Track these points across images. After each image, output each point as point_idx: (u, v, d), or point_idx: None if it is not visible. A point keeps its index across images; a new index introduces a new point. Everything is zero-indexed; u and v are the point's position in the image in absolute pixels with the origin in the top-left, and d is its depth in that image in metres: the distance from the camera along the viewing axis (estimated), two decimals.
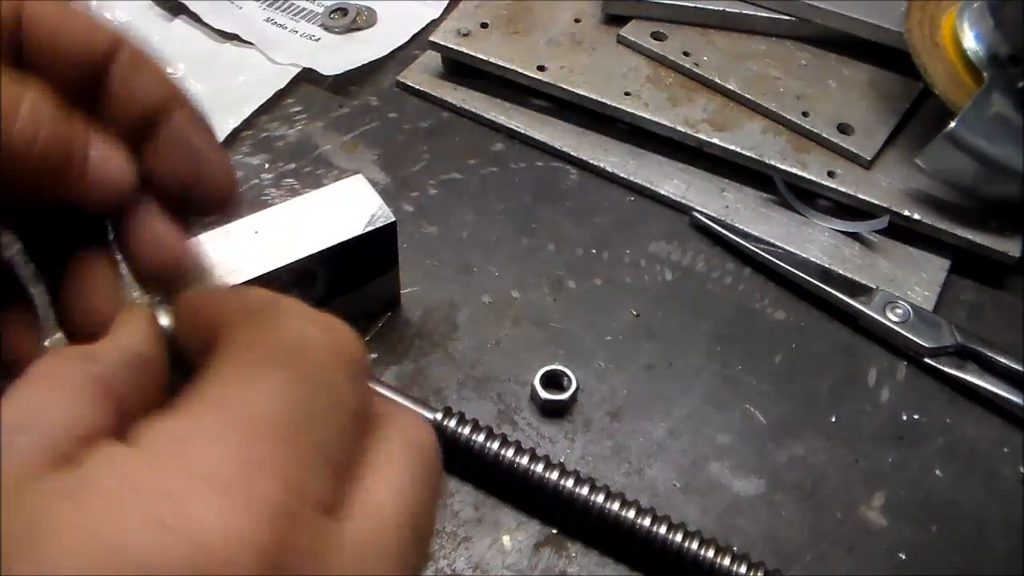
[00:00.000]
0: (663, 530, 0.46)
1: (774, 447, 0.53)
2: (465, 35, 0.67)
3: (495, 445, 0.48)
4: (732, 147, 0.62)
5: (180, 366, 0.32)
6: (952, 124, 0.56)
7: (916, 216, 0.59)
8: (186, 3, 0.72)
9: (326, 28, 0.72)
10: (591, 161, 0.65)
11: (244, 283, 0.46)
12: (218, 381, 0.25)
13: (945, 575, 0.49)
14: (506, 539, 0.48)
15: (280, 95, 0.68)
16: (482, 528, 0.49)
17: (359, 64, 0.69)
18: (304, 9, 0.73)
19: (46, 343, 0.35)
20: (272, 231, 0.48)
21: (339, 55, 0.70)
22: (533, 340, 0.56)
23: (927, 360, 0.56)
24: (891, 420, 0.54)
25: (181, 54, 0.69)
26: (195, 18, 0.72)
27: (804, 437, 0.53)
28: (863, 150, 0.61)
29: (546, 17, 0.69)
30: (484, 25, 0.68)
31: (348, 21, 0.72)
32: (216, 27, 0.71)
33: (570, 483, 0.47)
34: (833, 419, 0.54)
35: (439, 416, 0.49)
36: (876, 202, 0.60)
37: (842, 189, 0.61)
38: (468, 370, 0.55)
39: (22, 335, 0.33)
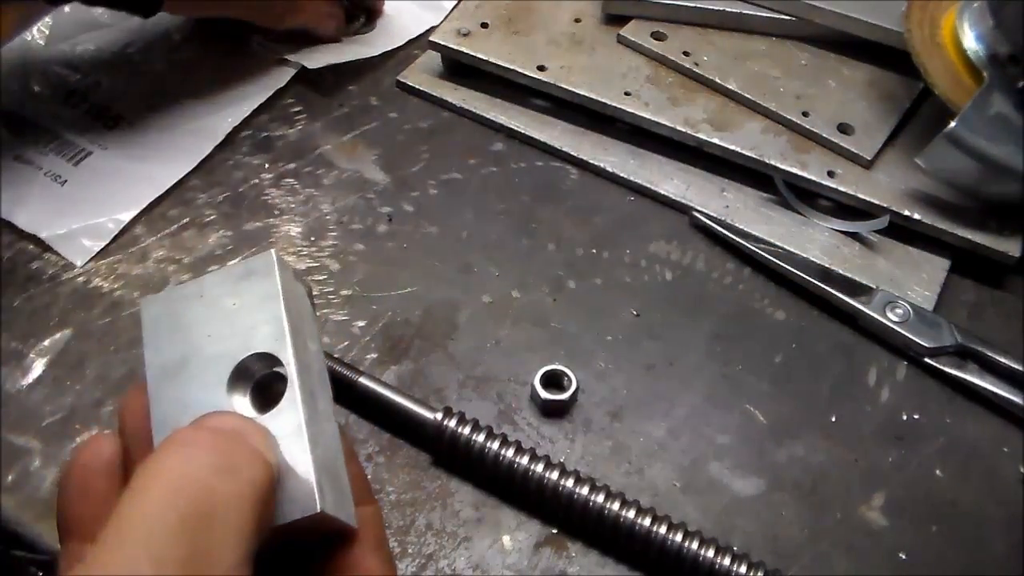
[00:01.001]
0: (663, 530, 0.46)
1: (774, 447, 0.53)
2: (465, 35, 0.67)
3: (495, 445, 0.48)
4: (732, 147, 0.62)
5: None
6: (952, 124, 0.56)
7: (916, 216, 0.59)
8: None
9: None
10: (591, 161, 0.65)
11: None
12: None
13: (945, 575, 0.49)
14: (506, 539, 0.48)
15: (279, 95, 0.68)
16: (482, 528, 0.49)
17: (344, 60, 0.69)
18: None
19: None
20: None
21: (328, 52, 0.70)
22: (533, 340, 0.56)
23: (927, 360, 0.56)
24: (891, 420, 0.54)
25: None
26: None
27: (804, 437, 0.53)
28: (863, 150, 0.61)
29: (546, 17, 0.69)
30: (484, 25, 0.68)
31: (351, 29, 0.72)
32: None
33: (570, 483, 0.47)
34: (833, 419, 0.54)
35: (439, 416, 0.49)
36: (876, 202, 0.60)
37: (842, 189, 0.61)
38: (468, 370, 0.55)
39: None
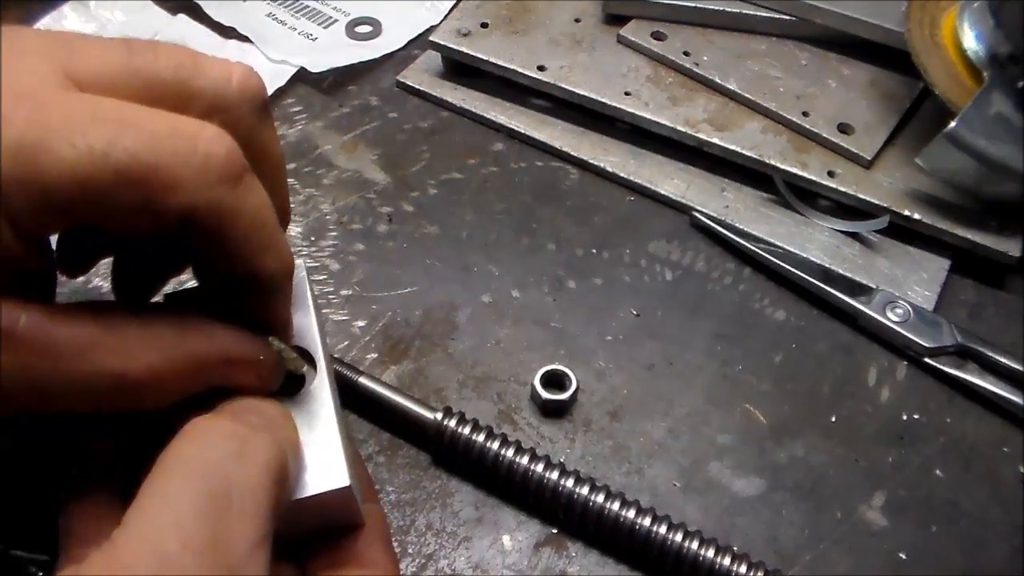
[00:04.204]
0: (663, 530, 0.46)
1: (774, 447, 0.53)
2: (465, 35, 0.67)
3: (495, 445, 0.48)
4: (732, 147, 0.62)
5: None
6: (952, 124, 0.56)
7: (916, 216, 0.59)
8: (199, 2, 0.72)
9: (351, 37, 0.72)
10: (591, 161, 0.65)
11: None
12: None
13: (945, 575, 0.49)
14: (506, 539, 0.48)
15: (280, 94, 0.68)
16: (482, 528, 0.49)
17: (346, 64, 0.69)
18: (327, 16, 0.73)
19: None
20: None
21: (331, 55, 0.70)
22: (533, 340, 0.56)
23: (927, 360, 0.56)
24: (891, 420, 0.54)
25: None
26: (197, 15, 0.72)
27: (804, 437, 0.53)
28: (863, 150, 0.61)
29: (546, 17, 0.69)
30: (484, 25, 0.68)
31: (367, 30, 0.72)
32: (215, 19, 0.71)
33: (570, 483, 0.47)
34: (833, 419, 0.54)
35: (439, 416, 0.49)
36: (876, 202, 0.60)
37: (842, 189, 0.61)
38: (468, 370, 0.55)
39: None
